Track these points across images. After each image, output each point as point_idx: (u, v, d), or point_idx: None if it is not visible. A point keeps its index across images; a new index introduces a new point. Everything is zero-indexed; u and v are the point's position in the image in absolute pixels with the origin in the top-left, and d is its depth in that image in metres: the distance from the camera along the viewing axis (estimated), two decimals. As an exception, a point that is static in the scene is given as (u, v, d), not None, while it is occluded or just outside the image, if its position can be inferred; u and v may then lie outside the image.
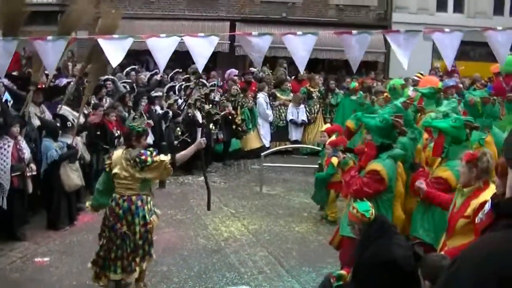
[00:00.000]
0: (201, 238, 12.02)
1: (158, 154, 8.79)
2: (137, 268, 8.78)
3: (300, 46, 8.16)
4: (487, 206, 6.26)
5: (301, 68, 8.96)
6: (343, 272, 7.56)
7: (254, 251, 11.35)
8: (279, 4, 28.52)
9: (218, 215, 13.57)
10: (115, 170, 8.69)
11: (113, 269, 8.68)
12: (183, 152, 9.19)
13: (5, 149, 11.28)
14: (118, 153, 8.87)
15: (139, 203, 8.67)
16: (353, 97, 14.58)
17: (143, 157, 8.52)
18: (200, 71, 9.00)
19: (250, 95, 20.58)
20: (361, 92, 15.88)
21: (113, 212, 8.65)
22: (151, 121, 16.54)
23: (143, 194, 8.77)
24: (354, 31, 8.20)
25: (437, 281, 2.97)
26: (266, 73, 22.48)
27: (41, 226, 12.45)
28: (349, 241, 8.51)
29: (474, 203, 6.92)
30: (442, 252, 6.99)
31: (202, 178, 16.85)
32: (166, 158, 8.66)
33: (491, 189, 6.94)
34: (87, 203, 9.62)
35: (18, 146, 11.55)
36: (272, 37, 8.17)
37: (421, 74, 20.28)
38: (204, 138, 9.75)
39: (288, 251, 11.39)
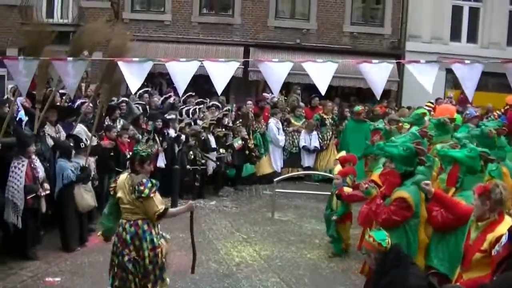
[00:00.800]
0: (212, 262, 11.98)
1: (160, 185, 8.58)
2: None
3: (320, 72, 8.17)
4: (504, 239, 6.23)
5: (323, 91, 8.82)
6: None
7: (265, 277, 11.29)
8: (293, 30, 28.53)
9: (230, 240, 13.54)
10: (119, 194, 8.50)
11: None
12: (174, 210, 8.96)
13: (19, 169, 11.31)
14: (123, 177, 8.65)
15: (146, 227, 8.42)
16: (380, 125, 14.37)
17: (141, 187, 8.25)
18: (219, 92, 8.91)
19: (262, 121, 20.62)
20: (381, 120, 15.72)
21: (121, 238, 8.44)
22: (165, 144, 16.63)
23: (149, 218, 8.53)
24: (374, 60, 8.21)
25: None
26: (281, 99, 22.43)
27: (53, 246, 12.44)
28: None
29: (490, 236, 6.87)
30: (458, 284, 6.95)
31: (214, 202, 17.03)
32: (160, 208, 8.35)
33: (507, 222, 6.92)
34: (99, 233, 9.38)
35: (32, 165, 11.58)
36: (292, 63, 8.19)
37: (431, 103, 20.30)
38: (195, 202, 9.43)
39: (300, 278, 11.33)
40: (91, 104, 15.59)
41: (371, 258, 7.27)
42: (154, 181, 8.47)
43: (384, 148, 9.31)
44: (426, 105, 19.86)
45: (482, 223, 7.15)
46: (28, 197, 11.34)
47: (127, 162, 14.98)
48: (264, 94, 24.28)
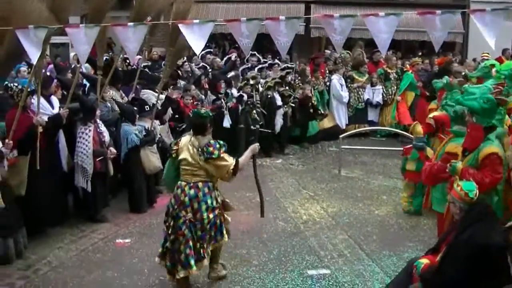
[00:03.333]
0: (280, 221, 12.00)
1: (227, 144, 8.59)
2: (206, 255, 8.63)
3: (382, 27, 7.99)
4: None
5: (383, 51, 8.74)
6: (424, 260, 7.43)
7: (333, 234, 11.28)
8: (355, -15, 28.21)
9: (297, 197, 13.57)
10: (182, 156, 8.54)
11: (190, 262, 8.45)
12: (242, 158, 8.78)
13: (86, 134, 11.45)
14: (186, 139, 8.70)
15: (206, 190, 8.48)
16: (439, 84, 13.90)
17: (210, 149, 8.31)
18: (283, 55, 8.84)
19: (321, 77, 20.45)
20: (446, 77, 15.09)
21: (179, 200, 8.49)
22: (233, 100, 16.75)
23: (209, 181, 8.57)
24: (437, 11, 7.98)
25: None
26: (344, 53, 22.09)
27: (121, 209, 12.65)
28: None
29: None
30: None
31: (280, 160, 17.02)
32: (231, 161, 8.42)
33: None
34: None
35: (98, 130, 11.73)
36: (354, 19, 8.02)
37: (487, 54, 19.88)
38: (258, 144, 9.40)
39: (368, 235, 11.28)
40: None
41: (456, 207, 7.27)
42: (221, 142, 8.50)
43: (464, 102, 9.01)
44: (483, 56, 19.48)
45: None
46: (97, 160, 11.52)
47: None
48: (326, 50, 24.07)
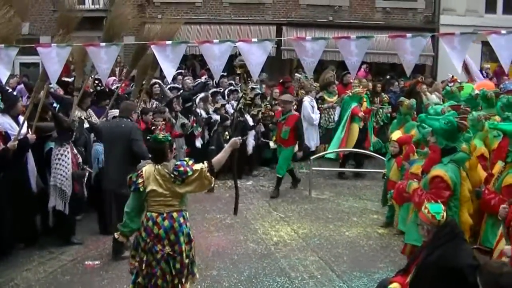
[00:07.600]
0: (250, 242, 11.98)
1: (196, 162, 8.03)
2: None
3: (353, 50, 8.06)
4: None
5: (353, 73, 8.86)
6: (394, 285, 7.46)
7: (304, 256, 11.28)
8: (326, 7, 28.44)
9: (268, 219, 13.58)
10: (151, 187, 7.83)
11: None
12: (218, 156, 8.34)
13: (65, 156, 11.29)
14: (148, 169, 7.95)
15: (181, 220, 7.92)
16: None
17: (181, 169, 7.77)
18: (255, 78, 8.74)
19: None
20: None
21: (152, 233, 7.83)
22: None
23: (183, 210, 8.05)
24: (408, 34, 8.08)
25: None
26: (303, 76, 22.12)
27: (91, 230, 12.51)
28: (414, 249, 8.52)
29: None
30: (502, 260, 6.88)
31: (251, 182, 16.99)
32: (203, 165, 7.91)
33: None
34: (115, 233, 8.80)
35: (74, 151, 11.61)
36: (326, 41, 8.07)
37: (452, 76, 20.12)
38: (240, 137, 9.00)
39: (338, 256, 11.30)
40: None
41: (424, 229, 7.28)
42: (186, 158, 8.20)
43: (426, 120, 9.12)
44: (453, 79, 19.65)
45: None
46: (82, 182, 11.57)
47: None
48: (296, 74, 24.11)
